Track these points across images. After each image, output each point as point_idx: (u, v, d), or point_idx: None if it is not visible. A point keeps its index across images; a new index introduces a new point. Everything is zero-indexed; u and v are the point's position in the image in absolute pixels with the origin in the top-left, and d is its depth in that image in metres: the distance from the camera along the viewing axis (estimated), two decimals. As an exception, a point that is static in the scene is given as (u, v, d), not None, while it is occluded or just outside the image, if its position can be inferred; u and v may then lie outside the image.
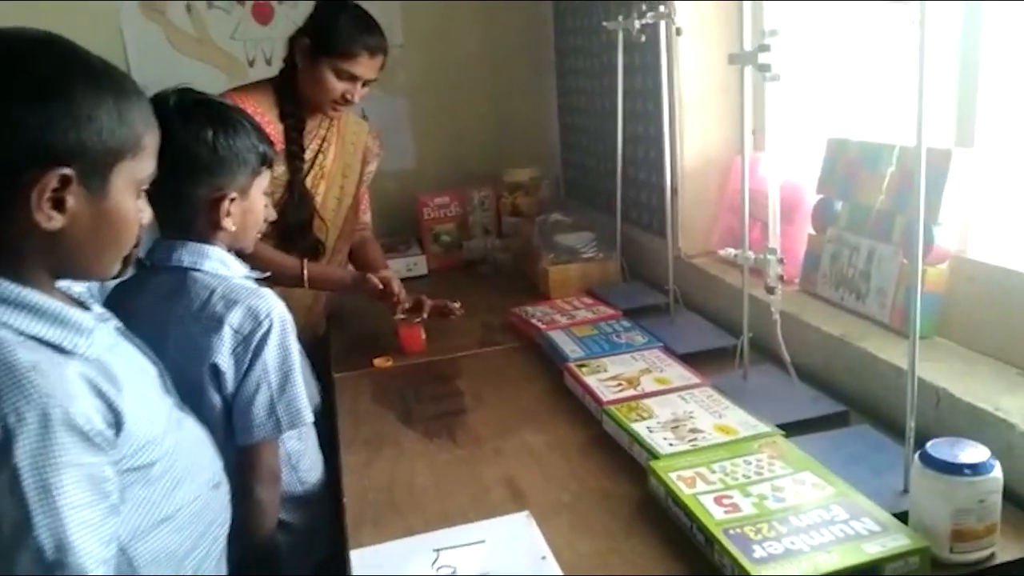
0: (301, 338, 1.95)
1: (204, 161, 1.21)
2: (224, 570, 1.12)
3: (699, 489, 1.13)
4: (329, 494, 1.37)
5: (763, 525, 1.03)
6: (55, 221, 0.83)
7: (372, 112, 2.83)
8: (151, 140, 0.92)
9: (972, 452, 0.99)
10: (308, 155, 1.93)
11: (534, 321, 1.90)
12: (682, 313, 1.91)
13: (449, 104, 2.93)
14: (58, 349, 0.85)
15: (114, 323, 1.00)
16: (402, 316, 1.89)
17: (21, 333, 0.83)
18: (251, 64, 2.76)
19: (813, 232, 1.70)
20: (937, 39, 1.38)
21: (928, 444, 1.02)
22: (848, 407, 1.39)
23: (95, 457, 0.84)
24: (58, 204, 0.83)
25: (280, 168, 1.87)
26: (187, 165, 1.20)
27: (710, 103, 1.99)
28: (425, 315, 1.90)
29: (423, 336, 1.89)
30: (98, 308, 0.99)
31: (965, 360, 1.31)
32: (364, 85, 1.85)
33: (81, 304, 0.97)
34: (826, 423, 1.35)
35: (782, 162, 1.87)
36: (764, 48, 1.30)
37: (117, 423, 0.87)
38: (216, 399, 1.21)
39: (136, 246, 1.35)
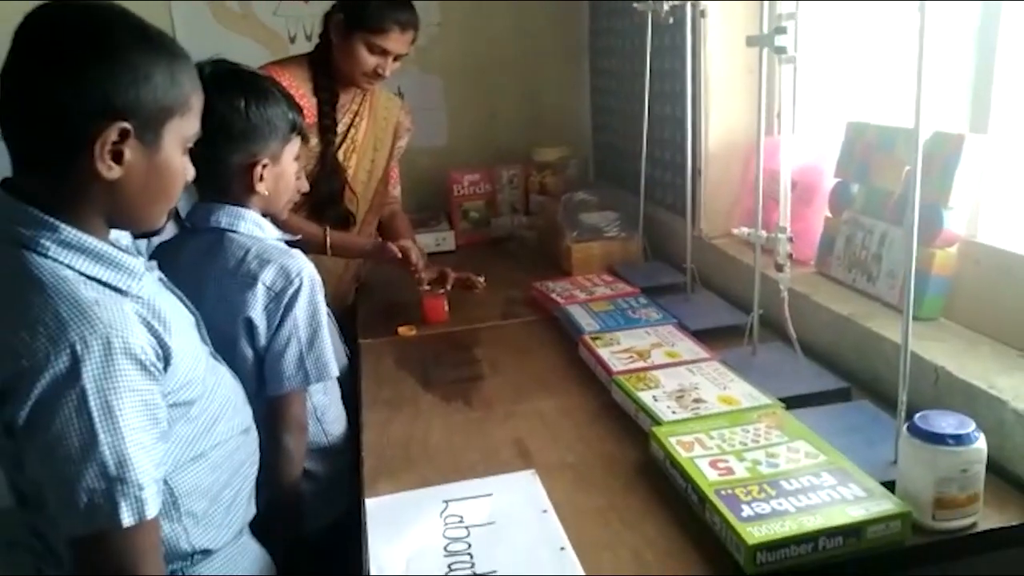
0: (330, 305, 2.05)
1: (238, 128, 1.29)
2: (254, 510, 1.20)
3: (696, 453, 1.18)
4: (351, 447, 1.45)
5: (754, 487, 1.08)
6: (114, 171, 0.91)
7: (407, 89, 2.91)
8: (197, 101, 1.00)
9: (957, 423, 1.02)
10: (340, 128, 2.00)
11: (554, 296, 1.95)
12: (699, 292, 1.95)
13: (483, 83, 2.97)
14: (115, 289, 0.94)
15: (158, 273, 1.09)
16: (427, 288, 1.96)
17: (82, 274, 0.92)
18: (292, 40, 2.83)
19: (830, 215, 1.73)
20: (954, 23, 1.41)
21: (917, 415, 1.06)
22: (851, 384, 1.43)
23: (150, 384, 0.92)
24: (117, 156, 0.91)
25: (313, 140, 1.95)
26: (222, 132, 1.28)
27: (736, 85, 2.02)
28: (448, 287, 1.97)
29: (446, 307, 1.96)
30: (146, 260, 1.07)
31: (968, 341, 1.34)
32: (396, 59, 1.91)
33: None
34: (828, 398, 1.39)
35: (803, 144, 1.90)
36: (780, 30, 1.33)
37: (166, 358, 0.96)
38: (248, 352, 1.30)
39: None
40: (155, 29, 0.96)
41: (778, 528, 0.99)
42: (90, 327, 0.87)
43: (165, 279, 1.11)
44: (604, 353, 1.58)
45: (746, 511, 1.03)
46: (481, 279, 2.05)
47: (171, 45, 0.96)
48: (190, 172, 1.03)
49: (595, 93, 2.97)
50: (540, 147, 2.78)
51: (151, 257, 1.41)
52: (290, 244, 1.88)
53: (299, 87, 1.91)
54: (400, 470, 1.30)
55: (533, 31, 2.95)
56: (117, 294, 0.93)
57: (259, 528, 1.28)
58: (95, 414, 0.86)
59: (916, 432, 1.03)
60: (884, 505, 1.02)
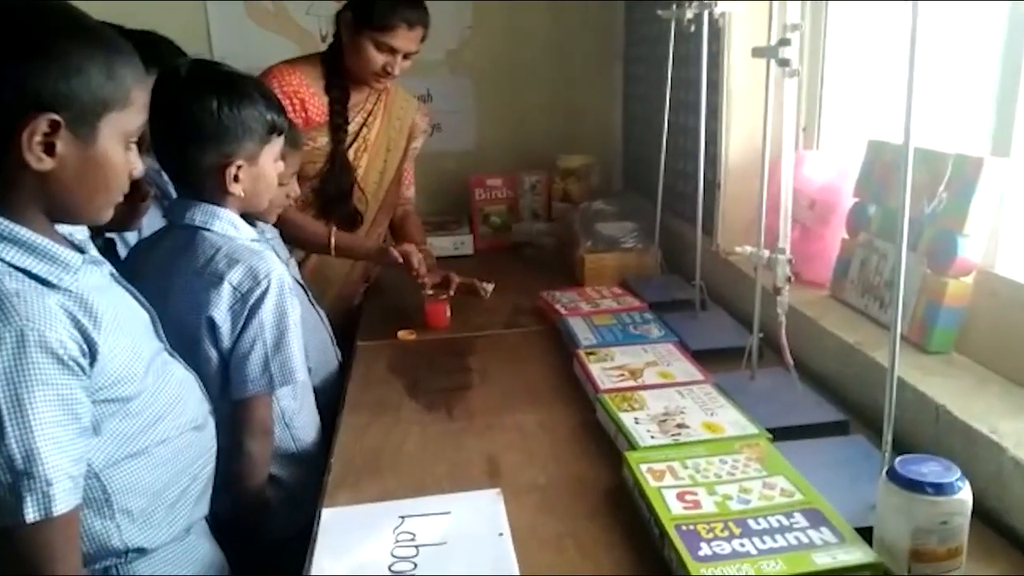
0: (335, 306, 2.03)
1: (209, 130, 1.27)
2: (204, 509, 1.18)
3: (665, 483, 1.12)
4: (324, 454, 1.42)
5: (717, 525, 1.02)
6: (45, 163, 0.90)
7: (436, 91, 2.89)
8: (140, 95, 0.98)
9: (941, 471, 0.94)
10: (352, 128, 1.99)
11: (558, 306, 1.90)
12: (711, 310, 1.88)
13: (514, 87, 2.93)
14: (43, 282, 0.92)
15: (108, 269, 1.07)
16: (430, 292, 1.93)
17: (10, 265, 0.91)
18: (323, 39, 2.82)
19: (846, 236, 1.64)
20: (979, 42, 1.32)
21: (898, 459, 0.98)
22: (851, 416, 1.35)
23: (67, 379, 0.90)
24: (49, 148, 0.90)
25: (323, 139, 1.94)
26: (192, 133, 1.27)
27: (759, 96, 1.93)
28: (451, 292, 1.93)
29: (448, 313, 1.92)
30: (95, 254, 1.06)
31: (977, 378, 1.25)
32: (406, 58, 1.89)
33: (79, 249, 1.04)
34: (823, 431, 1.31)
35: (826, 161, 1.82)
36: (784, 42, 1.26)
37: (91, 354, 0.94)
38: (212, 352, 1.28)
39: (143, 200, 1.43)
40: (94, 22, 0.94)
41: (733, 571, 0.93)
42: (4, 319, 0.86)
43: (117, 275, 1.10)
44: (595, 369, 1.52)
45: (704, 550, 0.97)
46: (490, 286, 2.01)
47: (110, 39, 0.94)
48: (137, 168, 1.01)
49: (627, 101, 2.90)
50: (566, 153, 2.73)
51: (133, 250, 1.43)
52: (294, 244, 1.88)
53: (311, 85, 1.91)
54: (365, 479, 1.26)
55: (567, 36, 2.90)
56: (43, 287, 0.92)
57: (221, 531, 1.26)
58: (3, 407, 0.84)
59: (894, 477, 0.95)
60: (854, 554, 0.95)
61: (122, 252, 1.56)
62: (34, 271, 0.92)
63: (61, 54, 0.89)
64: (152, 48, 1.72)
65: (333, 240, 1.89)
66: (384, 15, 1.82)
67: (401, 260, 1.87)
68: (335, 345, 1.78)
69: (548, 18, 2.88)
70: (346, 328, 2.03)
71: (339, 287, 2.10)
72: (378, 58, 1.85)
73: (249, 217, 1.51)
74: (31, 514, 0.86)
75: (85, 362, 0.93)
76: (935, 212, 1.36)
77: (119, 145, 0.97)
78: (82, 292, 0.96)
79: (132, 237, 1.57)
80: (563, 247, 2.40)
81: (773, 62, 1.32)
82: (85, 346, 0.93)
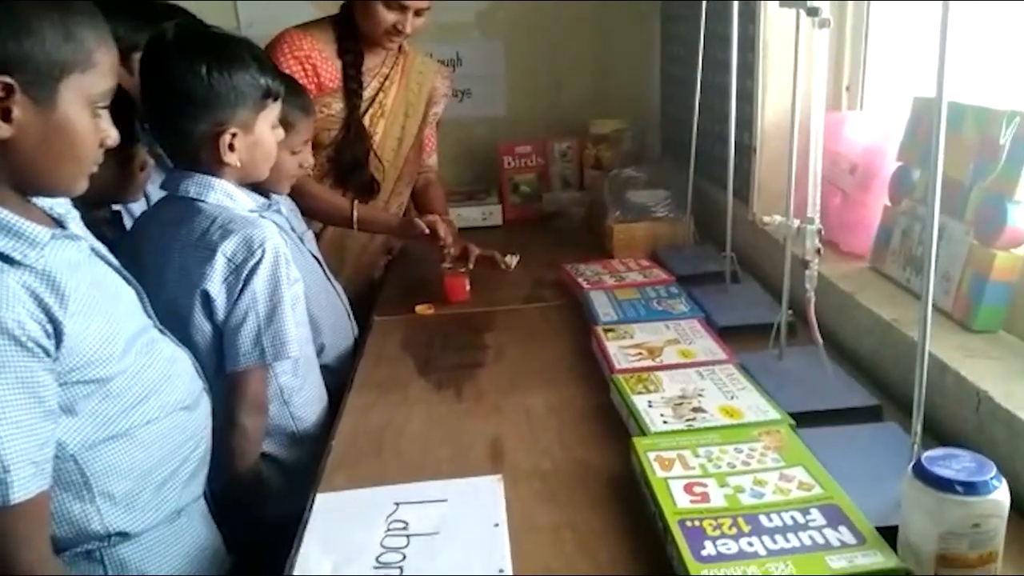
0: (354, 278, 1.99)
1: (200, 96, 1.21)
2: (197, 491, 1.15)
3: (673, 473, 1.04)
4: (328, 433, 1.37)
5: (725, 521, 0.94)
6: (2, 130, 0.86)
7: (467, 56, 2.80)
8: (104, 57, 0.93)
9: (974, 468, 0.84)
10: (368, 93, 1.92)
11: (580, 279, 1.82)
12: (744, 282, 1.77)
13: (547, 50, 2.81)
14: (4, 259, 0.89)
15: (88, 244, 1.03)
16: (448, 265, 1.86)
17: None
18: (350, 4, 2.76)
19: (889, 203, 1.52)
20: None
21: (926, 454, 0.88)
22: (886, 401, 1.24)
23: (28, 361, 0.87)
24: (5, 114, 0.86)
25: (338, 105, 1.88)
26: (182, 100, 1.21)
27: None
28: (471, 265, 1.86)
29: (467, 286, 1.86)
30: (76, 228, 1.02)
31: (1026, 361, 1.13)
32: (418, 15, 1.81)
33: (59, 223, 1.00)
34: (854, 416, 1.21)
35: (869, 121, 1.68)
36: (813, -11, 1.15)
37: (56, 334, 0.90)
38: (207, 326, 1.24)
39: (142, 170, 1.39)
40: None
41: (737, 574, 0.85)
42: None
43: (102, 249, 1.06)
44: (612, 347, 1.44)
45: (708, 549, 0.89)
46: (514, 259, 1.93)
47: None
48: (111, 135, 0.97)
49: (665, 62, 2.76)
50: (600, 118, 2.61)
51: (135, 223, 1.39)
52: (315, 217, 1.83)
53: (323, 50, 1.84)
54: (363, 462, 1.22)
55: (602, -6, 2.77)
56: (4, 264, 0.88)
57: (220, 509, 1.23)
58: None
59: (920, 474, 0.85)
60: (872, 558, 0.86)
61: (128, 225, 1.53)
62: None
63: (9, 14, 0.84)
64: (177, 17, 1.68)
65: (356, 214, 1.84)
66: None
67: (428, 231, 1.80)
68: (352, 320, 1.73)
69: (581, -27, 2.75)
70: (367, 301, 1.98)
71: (355, 256, 2.04)
72: (388, 16, 1.78)
73: (262, 188, 1.46)
74: None
75: (49, 343, 0.89)
76: (983, 175, 1.23)
77: (84, 110, 0.92)
78: (50, 269, 0.92)
79: (138, 208, 1.54)
80: (592, 217, 2.31)
81: (803, 13, 1.21)
82: (49, 326, 0.89)
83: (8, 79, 0.84)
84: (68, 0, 0.90)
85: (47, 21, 0.86)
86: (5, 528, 0.86)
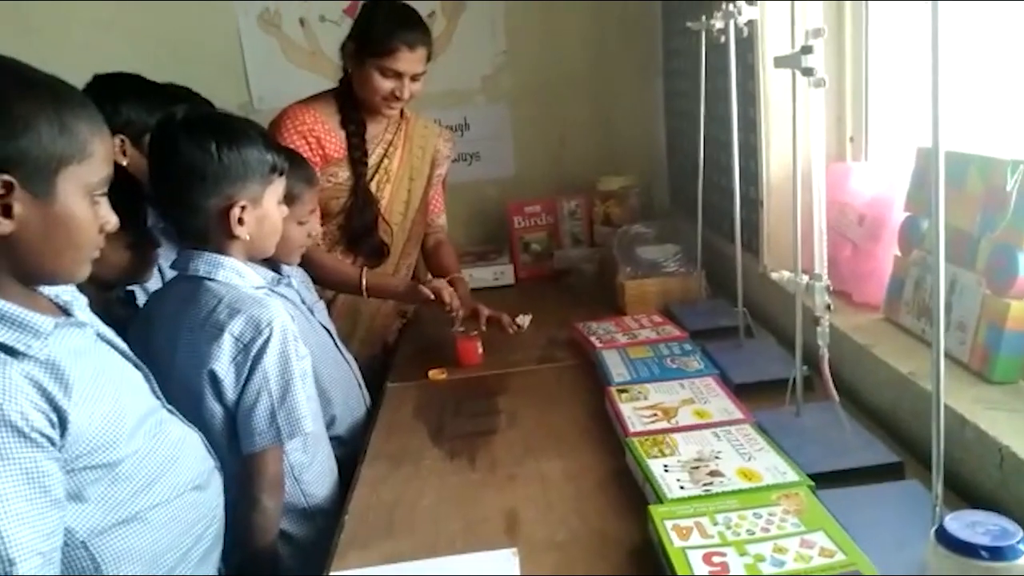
0: (367, 341, 1.99)
1: (210, 171, 1.24)
2: (211, 570, 1.14)
3: (692, 542, 1.02)
4: (340, 507, 1.36)
5: (746, 592, 0.91)
6: (4, 226, 0.88)
7: (473, 120, 2.86)
8: (100, 146, 0.95)
9: (996, 531, 0.82)
10: (373, 160, 1.96)
11: (592, 338, 1.81)
12: (758, 337, 1.76)
13: (552, 110, 2.85)
14: (8, 350, 0.89)
15: (93, 330, 1.04)
16: (460, 328, 1.86)
17: None
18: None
19: (899, 254, 1.51)
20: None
21: (949, 516, 0.86)
22: (907, 456, 1.22)
23: (31, 452, 0.87)
24: (6, 210, 0.88)
25: (344, 174, 1.91)
26: (194, 176, 1.24)
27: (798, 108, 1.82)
28: (482, 327, 1.86)
29: (480, 349, 1.86)
30: (82, 316, 1.03)
31: (1049, 413, 1.11)
32: (414, 80, 1.84)
33: (64, 311, 1.01)
34: (875, 475, 1.18)
35: (875, 172, 1.69)
36: (807, 50, 1.16)
37: (61, 422, 0.91)
38: (216, 406, 1.24)
39: (153, 250, 1.41)
40: (43, 76, 0.92)
41: (759, 651, 0.82)
42: None
43: (109, 334, 1.07)
44: (626, 409, 1.43)
45: (728, 624, 0.87)
46: (526, 319, 1.93)
47: (61, 92, 0.92)
48: (110, 222, 0.99)
49: (669, 117, 2.79)
50: (606, 175, 2.64)
51: (145, 305, 1.41)
52: (325, 286, 1.85)
53: (326, 121, 1.89)
54: (376, 538, 1.20)
55: (604, 53, 2.82)
56: (8, 356, 0.89)
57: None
58: None
59: (943, 538, 0.83)
60: (899, 629, 0.83)
61: (141, 300, 1.55)
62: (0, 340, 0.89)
63: (6, 112, 0.87)
64: (187, 100, 1.74)
65: (365, 281, 1.85)
66: (383, 40, 1.79)
67: (433, 297, 1.81)
68: (363, 390, 1.73)
69: (583, 36, 2.80)
70: (381, 365, 1.99)
71: (371, 321, 2.05)
72: (384, 84, 1.82)
73: (273, 260, 1.48)
74: None
75: (54, 432, 0.90)
76: (992, 225, 1.22)
77: (82, 199, 0.94)
78: (53, 358, 0.93)
79: (151, 283, 1.56)
80: (604, 274, 2.31)
81: (799, 72, 1.22)
82: (54, 415, 0.90)
83: (8, 177, 0.86)
84: (61, 94, 0.92)
85: (42, 116, 0.88)
86: None
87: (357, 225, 1.93)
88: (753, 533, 1.02)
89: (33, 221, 0.90)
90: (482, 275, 2.47)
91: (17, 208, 0.88)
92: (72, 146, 0.91)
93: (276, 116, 1.90)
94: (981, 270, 1.25)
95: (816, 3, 1.56)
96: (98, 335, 1.05)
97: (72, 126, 0.91)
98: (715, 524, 1.05)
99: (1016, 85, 1.31)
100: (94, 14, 2.65)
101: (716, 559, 0.98)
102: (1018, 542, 0.81)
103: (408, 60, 1.80)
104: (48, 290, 1.01)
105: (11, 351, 0.89)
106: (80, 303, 1.04)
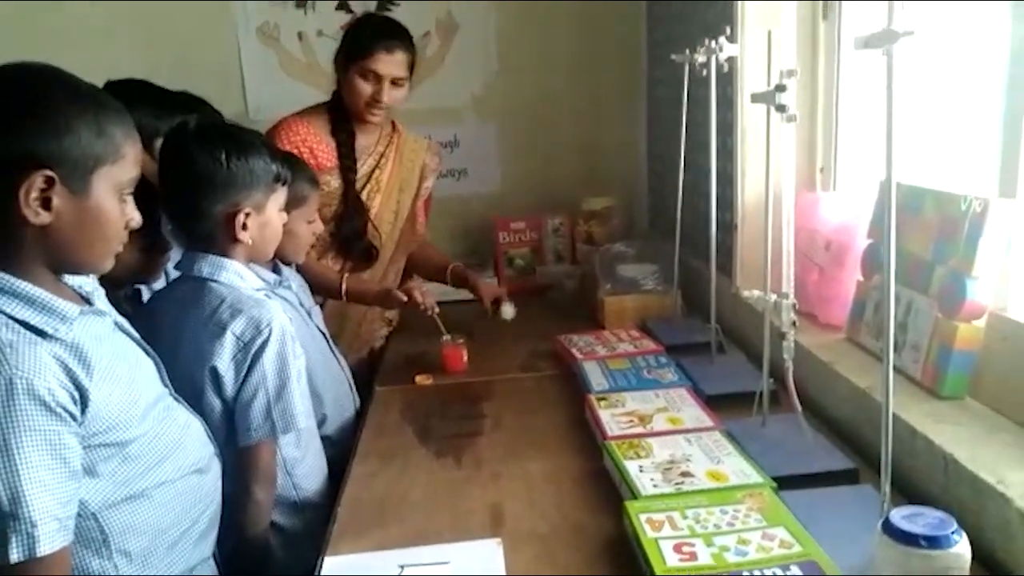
0: (354, 345, 2.07)
1: (219, 178, 1.33)
2: (206, 552, 1.21)
3: (663, 534, 1.11)
4: (329, 503, 1.43)
5: (711, 578, 1.00)
6: (42, 217, 0.96)
7: (463, 138, 2.95)
8: (131, 149, 1.05)
9: (934, 523, 0.92)
10: (365, 170, 2.06)
11: (574, 350, 1.90)
12: (729, 353, 1.86)
13: (539, 130, 2.96)
14: (38, 332, 0.97)
15: (112, 319, 1.12)
16: (447, 337, 1.95)
17: (9, 316, 0.97)
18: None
19: (861, 279, 1.62)
20: (983, 84, 1.31)
21: (893, 511, 0.96)
22: (862, 464, 1.32)
23: (55, 425, 0.95)
24: (45, 203, 0.96)
25: (335, 182, 2.00)
26: (204, 183, 1.33)
27: (773, 139, 1.93)
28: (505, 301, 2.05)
29: (465, 357, 1.94)
30: (102, 305, 1.11)
31: (989, 425, 1.21)
32: (395, 84, 1.94)
33: (87, 300, 1.09)
34: (832, 479, 1.28)
35: (841, 201, 1.80)
36: (781, 88, 1.27)
37: (83, 401, 0.99)
38: (216, 401, 1.32)
39: (163, 253, 1.49)
40: (87, 86, 1.02)
41: (722, 627, 0.91)
42: None
43: (125, 324, 1.15)
44: (604, 415, 1.52)
45: (695, 604, 0.96)
46: (512, 310, 2.08)
47: (101, 99, 1.01)
48: (134, 219, 1.07)
49: (652, 142, 2.91)
50: (590, 195, 2.74)
51: (149, 301, 1.48)
52: (313, 290, 1.93)
53: (318, 132, 1.98)
54: (369, 529, 1.27)
55: (591, 78, 2.93)
56: (38, 336, 0.97)
57: (225, 572, 1.28)
58: None
59: (888, 530, 0.93)
60: (847, 610, 0.92)
61: (146, 298, 1.62)
62: (31, 322, 0.97)
63: (53, 115, 0.96)
64: (196, 107, 1.83)
65: (344, 286, 1.94)
66: (362, 43, 1.90)
67: (406, 299, 1.90)
68: (354, 392, 1.80)
69: (572, 61, 2.92)
70: (367, 369, 2.06)
71: (357, 325, 2.14)
72: (365, 87, 1.92)
73: (279, 258, 1.57)
74: (15, 554, 0.90)
75: (76, 409, 0.97)
76: (945, 254, 1.34)
77: (113, 197, 1.03)
78: (78, 341, 1.00)
79: (157, 283, 1.63)
80: (585, 290, 2.41)
81: (773, 107, 1.33)
82: (76, 393, 0.97)
83: (50, 172, 0.95)
84: (101, 101, 1.01)
85: (83, 120, 0.97)
86: None
87: (347, 231, 2.02)
88: (719, 527, 1.12)
89: (69, 214, 0.98)
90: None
91: (56, 201, 0.96)
92: (108, 148, 1.00)
93: (271, 127, 1.99)
94: (934, 295, 1.36)
95: (791, 45, 1.68)
96: (115, 324, 1.13)
97: (109, 130, 1.00)
98: (685, 518, 1.14)
99: (970, 123, 1.43)
100: (95, 23, 2.72)
101: (686, 548, 1.07)
102: (952, 532, 0.91)
103: (386, 62, 1.90)
104: (72, 281, 1.08)
105: (41, 333, 0.97)
106: (100, 294, 1.12)
